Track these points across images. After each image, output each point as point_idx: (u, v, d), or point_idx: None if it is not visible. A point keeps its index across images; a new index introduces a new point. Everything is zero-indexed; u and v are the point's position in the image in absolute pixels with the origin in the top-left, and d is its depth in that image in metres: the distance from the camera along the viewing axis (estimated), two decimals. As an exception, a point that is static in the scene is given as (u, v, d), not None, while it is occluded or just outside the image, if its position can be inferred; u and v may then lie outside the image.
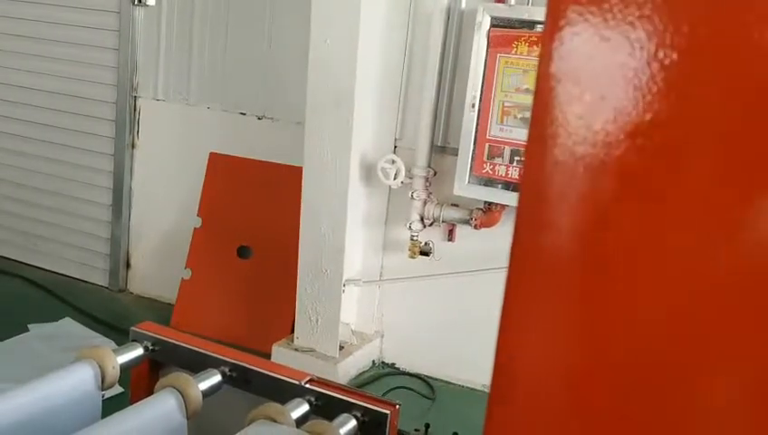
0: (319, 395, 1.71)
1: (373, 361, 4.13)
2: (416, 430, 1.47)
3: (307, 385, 1.74)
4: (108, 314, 4.43)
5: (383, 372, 4.09)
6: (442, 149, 3.84)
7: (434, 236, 3.87)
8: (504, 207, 3.64)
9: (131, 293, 4.91)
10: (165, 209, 4.73)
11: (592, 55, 0.50)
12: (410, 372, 4.08)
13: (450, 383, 4.01)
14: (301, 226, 3.83)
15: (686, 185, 0.52)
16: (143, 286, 4.88)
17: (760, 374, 0.51)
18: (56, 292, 4.67)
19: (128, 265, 4.91)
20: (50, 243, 5.01)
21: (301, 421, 1.63)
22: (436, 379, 4.02)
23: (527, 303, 0.64)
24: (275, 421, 1.57)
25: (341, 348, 3.92)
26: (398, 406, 1.70)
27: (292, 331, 3.99)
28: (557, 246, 0.58)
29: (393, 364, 4.15)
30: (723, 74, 0.48)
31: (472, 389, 3.94)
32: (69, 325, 4.23)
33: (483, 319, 4.04)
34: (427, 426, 1.48)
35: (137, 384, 1.95)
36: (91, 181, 4.84)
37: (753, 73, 0.47)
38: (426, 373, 4.04)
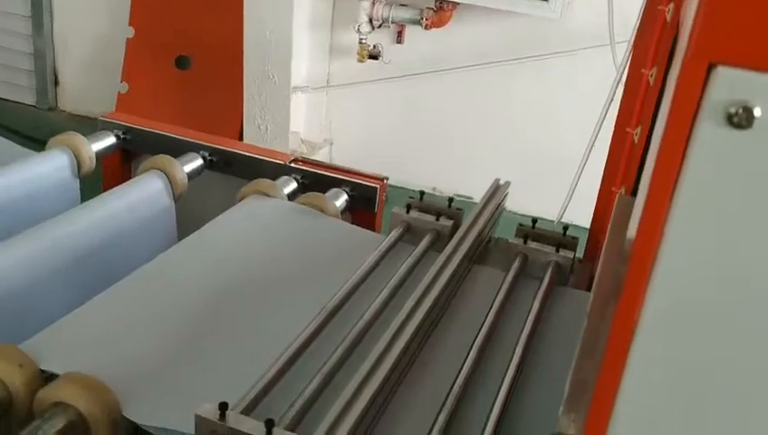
0: (305, 174, 1.71)
1: (323, 169, 4.15)
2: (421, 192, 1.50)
3: (292, 165, 1.73)
4: (39, 132, 4.23)
5: (333, 179, 4.12)
6: (390, -56, 3.65)
7: (383, 38, 3.78)
8: (455, 5, 3.55)
9: (63, 111, 4.69)
10: (92, 18, 4.43)
11: None
12: (360, 178, 4.12)
13: (401, 187, 4.07)
14: (244, 31, 3.66)
15: None
16: (75, 103, 4.66)
17: None
18: (-19, 111, 4.43)
19: (56, 82, 4.66)
20: (-34, 60, 4.67)
21: (290, 198, 1.63)
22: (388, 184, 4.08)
23: None
24: (267, 196, 1.57)
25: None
26: (385, 180, 1.72)
27: (241, 140, 3.93)
28: None
29: (343, 172, 4.17)
30: None
31: (423, 192, 4.02)
32: None
33: (433, 122, 4.07)
34: (423, 193, 1.51)
35: (110, 176, 1.90)
36: (5, -11, 4.46)
37: None
38: (376, 179, 4.09)
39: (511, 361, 1.08)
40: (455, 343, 1.15)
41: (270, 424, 0.87)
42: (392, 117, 3.99)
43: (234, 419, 0.89)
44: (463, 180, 3.89)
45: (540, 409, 1.04)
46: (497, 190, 1.57)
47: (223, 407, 0.88)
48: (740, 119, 0.38)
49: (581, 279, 1.45)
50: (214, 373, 1.04)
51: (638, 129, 1.45)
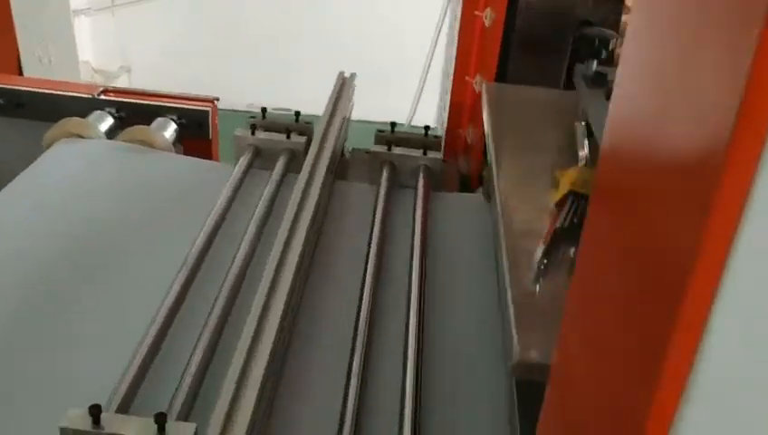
0: (120, 106, 1.46)
1: (123, 99, 3.75)
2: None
3: (102, 97, 1.47)
4: None
5: (137, 108, 3.74)
6: None
7: (167, -56, 3.40)
8: None
9: None
10: None
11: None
12: (167, 104, 3.78)
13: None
14: (0, -53, 3.12)
15: None
16: None
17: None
18: None
19: None
20: None
21: (108, 137, 1.39)
22: (197, 106, 3.78)
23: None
24: (81, 137, 1.32)
25: (85, 89, 3.48)
26: (216, 102, 1.52)
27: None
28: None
29: (146, 99, 3.80)
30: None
31: (235, 111, 3.77)
32: None
33: (244, 33, 3.75)
34: (264, 109, 1.34)
35: None
36: None
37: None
38: (185, 103, 3.77)
39: (411, 289, 0.97)
40: (343, 278, 1.02)
41: (162, 418, 0.70)
42: (194, 32, 3.65)
43: (112, 421, 0.71)
44: (285, 93, 3.67)
45: (455, 330, 0.94)
46: (344, 86, 1.41)
47: (95, 410, 0.70)
48: None
49: (450, 180, 1.36)
50: (57, 373, 0.84)
51: (488, 10, 1.35)
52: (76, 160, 1.25)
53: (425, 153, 1.27)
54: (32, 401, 0.80)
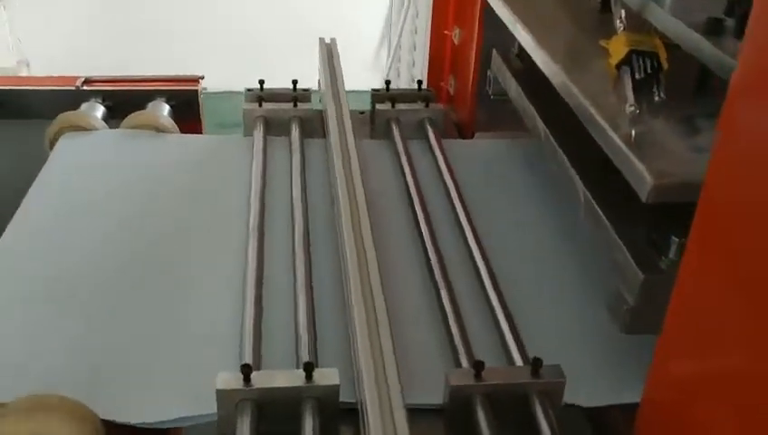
0: (106, 94, 1.44)
1: (27, 95, 3.58)
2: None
3: (85, 87, 1.45)
4: None
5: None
6: None
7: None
8: None
9: None
10: None
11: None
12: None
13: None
14: None
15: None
16: None
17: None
18: None
19: None
20: None
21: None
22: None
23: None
24: (84, 129, 1.31)
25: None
26: (200, 80, 1.52)
27: None
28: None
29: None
30: None
31: (262, 81, 3.67)
32: None
33: (146, 22, 3.64)
34: (262, 81, 1.37)
35: None
36: None
37: None
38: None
39: (463, 229, 1.06)
40: (399, 224, 1.10)
41: (310, 367, 0.76)
42: (94, 19, 3.52)
43: (262, 377, 0.76)
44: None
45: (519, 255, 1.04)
46: (331, 51, 1.45)
47: (246, 369, 0.75)
48: None
49: (448, 128, 1.43)
50: (174, 351, 0.88)
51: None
52: (93, 152, 1.24)
53: (427, 105, 1.34)
54: (165, 357, 0.84)
